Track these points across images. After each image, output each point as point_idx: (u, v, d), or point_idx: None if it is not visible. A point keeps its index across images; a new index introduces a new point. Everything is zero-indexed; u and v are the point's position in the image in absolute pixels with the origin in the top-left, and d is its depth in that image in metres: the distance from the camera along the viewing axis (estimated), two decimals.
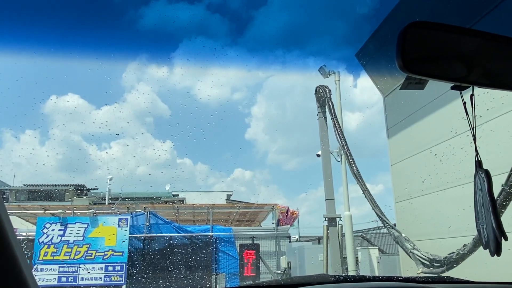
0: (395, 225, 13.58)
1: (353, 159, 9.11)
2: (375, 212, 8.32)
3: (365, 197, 8.49)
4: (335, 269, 9.95)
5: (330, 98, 10.61)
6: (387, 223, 8.01)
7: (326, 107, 10.76)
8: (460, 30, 1.29)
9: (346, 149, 9.39)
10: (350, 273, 10.69)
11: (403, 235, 7.51)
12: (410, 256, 7.24)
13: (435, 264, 6.76)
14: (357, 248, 13.11)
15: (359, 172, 8.89)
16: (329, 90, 10.83)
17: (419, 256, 7.03)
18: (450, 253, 6.45)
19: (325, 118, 11.12)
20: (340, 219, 10.59)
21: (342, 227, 10.72)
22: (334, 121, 10.02)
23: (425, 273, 6.84)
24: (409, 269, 10.93)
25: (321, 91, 10.94)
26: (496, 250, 1.43)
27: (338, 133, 9.81)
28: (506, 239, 1.43)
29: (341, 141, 9.61)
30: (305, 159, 51.59)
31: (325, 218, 10.48)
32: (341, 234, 10.60)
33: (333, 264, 10.09)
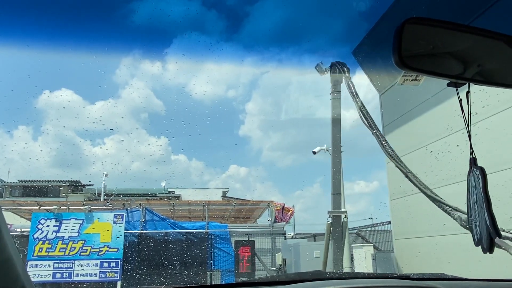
0: (390, 222, 13.65)
1: (385, 140, 8.16)
2: (413, 182, 7.26)
3: (409, 179, 7.41)
4: (335, 267, 9.72)
5: (350, 78, 9.33)
6: (422, 184, 7.22)
7: (343, 84, 9.41)
8: (457, 26, 1.28)
9: (375, 130, 8.32)
10: (345, 270, 10.69)
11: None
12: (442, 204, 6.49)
13: None
14: (352, 245, 13.13)
15: (394, 152, 7.81)
16: (348, 68, 9.45)
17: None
18: None
19: (339, 99, 9.74)
20: (345, 216, 9.81)
21: (346, 224, 10.13)
22: (357, 101, 8.80)
23: None
24: (404, 266, 10.98)
25: (337, 68, 9.56)
26: (489, 247, 1.44)
27: (363, 113, 8.58)
28: (500, 236, 1.44)
29: (369, 122, 8.47)
30: (300, 156, 51.65)
31: (330, 214, 9.74)
32: (347, 230, 9.94)
33: (334, 262, 9.72)
